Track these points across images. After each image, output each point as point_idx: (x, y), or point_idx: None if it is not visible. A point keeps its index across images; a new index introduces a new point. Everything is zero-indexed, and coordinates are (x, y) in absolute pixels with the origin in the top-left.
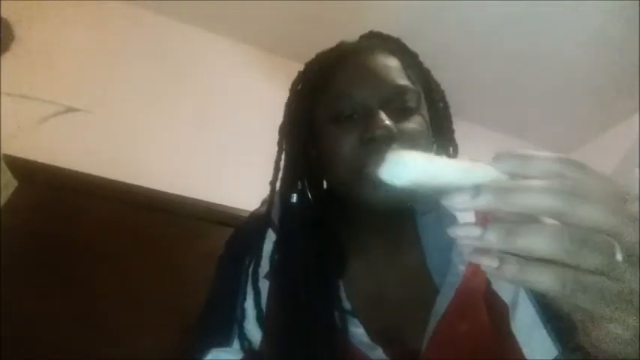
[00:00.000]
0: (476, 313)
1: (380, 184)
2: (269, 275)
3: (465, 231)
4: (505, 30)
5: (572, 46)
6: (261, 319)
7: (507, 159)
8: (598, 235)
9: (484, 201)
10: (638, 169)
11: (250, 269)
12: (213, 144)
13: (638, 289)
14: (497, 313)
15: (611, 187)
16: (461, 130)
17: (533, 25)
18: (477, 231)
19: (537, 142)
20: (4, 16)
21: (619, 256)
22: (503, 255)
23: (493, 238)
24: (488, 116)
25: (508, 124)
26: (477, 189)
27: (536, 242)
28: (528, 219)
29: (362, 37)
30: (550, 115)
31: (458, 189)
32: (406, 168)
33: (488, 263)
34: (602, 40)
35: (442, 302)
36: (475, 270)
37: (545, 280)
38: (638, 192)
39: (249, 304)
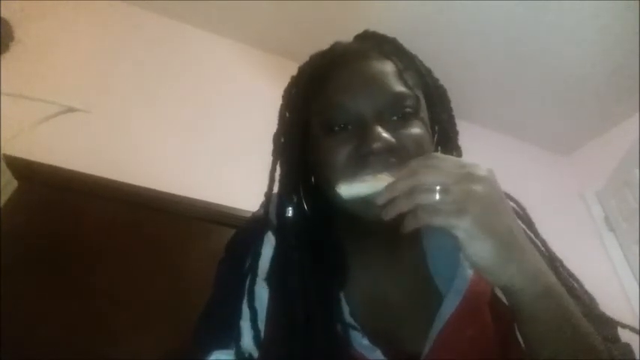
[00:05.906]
0: (481, 318)
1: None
2: (269, 282)
3: (382, 199)
4: (505, 30)
5: (572, 46)
6: (258, 340)
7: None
8: (431, 187)
9: (387, 196)
10: (638, 169)
11: (246, 286)
12: (213, 144)
13: (474, 218)
14: (501, 317)
15: (452, 161)
16: (460, 129)
17: (533, 25)
18: (384, 197)
19: (537, 142)
20: (4, 16)
21: (438, 195)
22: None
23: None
24: (488, 116)
25: (508, 124)
26: (382, 191)
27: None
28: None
29: (356, 37)
30: (550, 115)
31: (377, 194)
32: (350, 191)
33: (409, 223)
34: (602, 40)
35: (449, 306)
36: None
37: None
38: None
39: (246, 325)
